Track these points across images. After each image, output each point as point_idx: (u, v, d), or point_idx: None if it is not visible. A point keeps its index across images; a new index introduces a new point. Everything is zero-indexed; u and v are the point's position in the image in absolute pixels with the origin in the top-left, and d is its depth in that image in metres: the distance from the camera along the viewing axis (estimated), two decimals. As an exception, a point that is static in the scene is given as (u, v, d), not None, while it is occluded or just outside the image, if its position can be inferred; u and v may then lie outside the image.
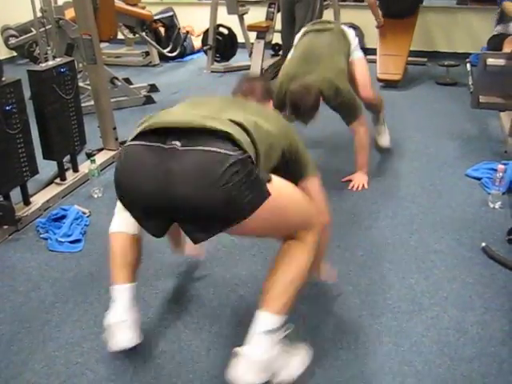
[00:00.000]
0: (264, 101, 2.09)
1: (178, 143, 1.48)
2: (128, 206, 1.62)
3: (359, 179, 3.18)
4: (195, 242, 1.55)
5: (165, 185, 1.47)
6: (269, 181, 1.59)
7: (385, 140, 3.59)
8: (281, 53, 5.89)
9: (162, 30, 6.33)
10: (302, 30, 3.36)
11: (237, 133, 1.51)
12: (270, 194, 1.54)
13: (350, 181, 3.20)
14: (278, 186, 1.64)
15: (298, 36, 3.38)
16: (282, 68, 3.13)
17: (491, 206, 2.87)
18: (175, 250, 2.33)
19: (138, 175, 1.51)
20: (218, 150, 1.46)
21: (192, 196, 1.45)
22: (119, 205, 1.84)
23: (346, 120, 3.09)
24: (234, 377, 1.58)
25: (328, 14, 5.50)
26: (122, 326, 1.76)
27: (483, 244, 2.48)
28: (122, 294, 1.80)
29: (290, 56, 3.24)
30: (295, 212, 1.72)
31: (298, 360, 1.76)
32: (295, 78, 2.89)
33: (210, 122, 1.51)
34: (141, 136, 1.56)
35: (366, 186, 3.15)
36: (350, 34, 3.28)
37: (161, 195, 1.48)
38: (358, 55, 3.26)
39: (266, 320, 1.61)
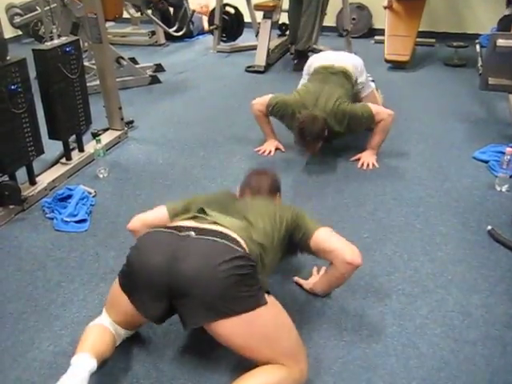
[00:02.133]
0: (271, 196, 2.13)
1: (192, 233, 1.66)
2: (129, 285, 1.66)
3: (368, 158, 3.18)
4: (185, 327, 1.63)
5: (171, 260, 1.57)
6: (267, 292, 1.65)
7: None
8: (287, 33, 5.85)
9: (171, 9, 6.27)
10: (315, 64, 3.40)
11: (247, 241, 1.69)
12: (266, 302, 1.59)
13: (358, 160, 3.20)
14: (277, 305, 1.68)
15: (309, 66, 3.46)
16: (295, 94, 3.25)
17: (498, 189, 2.85)
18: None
19: (151, 251, 1.64)
20: (228, 243, 1.62)
21: (195, 273, 1.54)
22: (107, 306, 1.79)
23: (370, 128, 3.17)
24: None
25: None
26: None
27: (489, 227, 2.47)
28: (82, 363, 1.56)
29: (300, 86, 3.39)
30: (286, 336, 1.65)
31: None
32: (306, 107, 3.07)
33: (228, 230, 1.69)
34: (159, 227, 1.78)
35: (376, 165, 3.15)
36: (359, 69, 3.36)
37: (165, 269, 1.56)
38: (367, 91, 3.44)
39: None
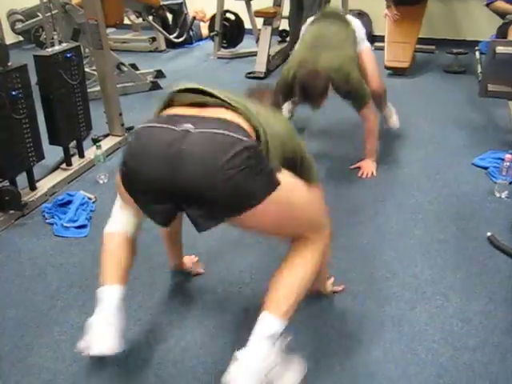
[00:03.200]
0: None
1: (190, 126, 1.47)
2: (133, 190, 1.56)
3: (368, 166, 3.17)
4: (199, 229, 1.50)
5: (174, 164, 1.43)
6: (278, 170, 1.56)
7: (395, 121, 3.63)
8: (288, 39, 5.87)
9: (169, 16, 6.30)
10: (310, 20, 3.35)
11: (252, 118, 1.54)
12: (279, 184, 1.51)
13: (359, 168, 3.19)
14: (289, 179, 1.61)
15: (305, 25, 3.37)
16: (291, 55, 3.11)
17: (497, 195, 2.85)
18: (174, 264, 2.26)
19: (147, 155, 1.48)
20: (231, 133, 1.45)
21: (201, 176, 1.41)
22: (117, 203, 1.80)
23: (355, 107, 3.08)
24: (229, 380, 1.50)
25: (336, 1, 5.45)
26: (105, 332, 1.62)
27: (489, 233, 2.47)
28: (110, 295, 1.68)
29: (298, 44, 3.23)
30: (305, 210, 1.65)
31: (293, 373, 1.65)
32: (304, 63, 2.88)
33: (229, 100, 1.55)
34: (152, 120, 1.58)
35: (374, 174, 3.14)
36: (357, 24, 3.27)
37: (169, 175, 1.44)
38: (365, 46, 3.27)
39: (270, 323, 1.55)
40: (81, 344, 1.67)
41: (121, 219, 1.79)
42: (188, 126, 1.47)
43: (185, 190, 1.44)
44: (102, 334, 1.62)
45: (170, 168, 1.43)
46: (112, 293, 1.68)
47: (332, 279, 2.12)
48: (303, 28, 3.38)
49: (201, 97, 1.60)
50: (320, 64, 2.85)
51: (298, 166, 1.75)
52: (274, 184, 1.50)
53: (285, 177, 1.57)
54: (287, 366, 1.63)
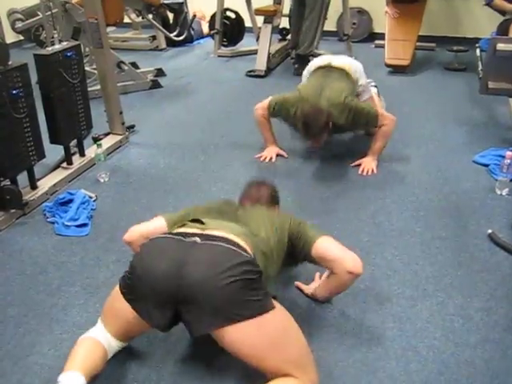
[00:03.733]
0: (270, 207, 2.11)
1: (198, 239, 1.64)
2: (136, 293, 1.63)
3: (368, 163, 3.18)
4: (192, 334, 1.60)
5: (179, 266, 1.55)
6: (274, 297, 1.65)
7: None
8: (288, 37, 5.87)
9: (170, 14, 6.29)
10: (312, 65, 3.40)
11: (251, 247, 1.69)
12: (273, 308, 1.58)
13: (359, 165, 3.20)
14: (284, 311, 1.66)
15: (306, 71, 3.45)
16: (297, 90, 3.21)
17: (498, 192, 2.85)
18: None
19: (156, 257, 1.62)
20: (234, 248, 1.62)
21: (202, 278, 1.52)
22: (103, 315, 1.78)
23: (373, 126, 3.13)
24: None
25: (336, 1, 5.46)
26: None
27: (489, 231, 2.48)
28: (68, 382, 1.54)
29: (300, 87, 3.29)
30: (295, 346, 1.63)
31: None
32: (307, 100, 3.01)
33: (233, 236, 1.69)
34: (163, 235, 1.77)
35: (375, 171, 3.15)
36: (357, 70, 3.33)
37: (174, 275, 1.54)
38: (367, 96, 3.39)
39: None
40: None
41: (100, 333, 1.73)
42: (196, 239, 1.65)
43: (185, 292, 1.53)
44: None
45: (175, 269, 1.55)
46: (72, 379, 1.55)
47: None
48: (304, 74, 3.49)
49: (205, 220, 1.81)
50: (321, 103, 2.97)
51: (298, 239, 1.88)
52: (267, 306, 1.58)
53: (280, 307, 1.65)
54: None
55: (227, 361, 1.79)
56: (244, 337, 1.54)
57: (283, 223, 1.90)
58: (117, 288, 1.71)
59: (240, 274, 1.53)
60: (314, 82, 3.20)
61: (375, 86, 3.71)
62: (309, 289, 2.12)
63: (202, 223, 1.79)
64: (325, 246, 1.86)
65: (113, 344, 1.73)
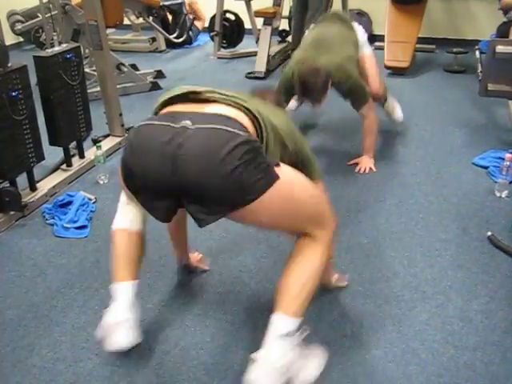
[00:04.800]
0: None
1: (188, 122, 1.49)
2: (133, 187, 1.58)
3: (365, 162, 3.18)
4: (200, 224, 1.52)
5: (173, 161, 1.45)
6: (277, 165, 1.56)
7: (398, 114, 3.66)
8: (288, 39, 5.87)
9: (169, 16, 6.30)
10: (312, 25, 3.38)
11: (251, 113, 1.58)
12: (278, 177, 1.51)
13: (357, 164, 3.20)
14: (289, 173, 1.61)
15: (308, 30, 3.41)
16: (292, 57, 3.13)
17: (498, 194, 2.85)
18: (180, 259, 2.29)
19: (147, 152, 1.50)
20: (229, 128, 1.47)
21: (200, 172, 1.44)
22: (122, 199, 1.82)
23: (355, 106, 3.09)
24: (252, 382, 1.52)
25: (336, 0, 5.44)
26: (122, 326, 1.69)
27: (489, 233, 2.47)
28: (124, 292, 1.73)
29: (299, 47, 3.24)
30: (307, 204, 1.64)
31: (314, 362, 1.69)
32: (304, 61, 2.89)
33: (228, 96, 1.59)
34: (151, 118, 1.63)
35: (373, 169, 3.15)
36: (359, 29, 3.30)
37: (168, 172, 1.46)
38: (367, 50, 3.29)
39: (283, 323, 1.56)
40: (99, 334, 1.75)
41: (127, 215, 1.80)
42: (186, 122, 1.49)
43: (184, 187, 1.47)
44: (120, 329, 1.69)
45: (169, 165, 1.45)
46: (126, 289, 1.74)
47: (336, 275, 2.12)
48: (306, 33, 3.43)
49: (201, 94, 1.63)
50: (320, 62, 2.85)
51: (298, 162, 1.78)
52: (273, 178, 1.50)
53: (285, 171, 1.58)
54: (307, 357, 1.67)
55: (227, 360, 1.79)
56: (254, 215, 1.53)
57: (292, 126, 1.83)
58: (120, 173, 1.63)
59: (239, 158, 1.43)
60: (312, 41, 3.12)
61: None
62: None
63: (194, 94, 1.64)
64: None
65: (142, 215, 1.79)
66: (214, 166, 1.43)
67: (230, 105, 1.59)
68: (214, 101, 1.61)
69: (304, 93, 2.82)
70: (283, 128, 1.73)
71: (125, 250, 1.78)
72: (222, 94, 1.63)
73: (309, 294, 1.61)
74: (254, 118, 1.59)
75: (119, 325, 1.69)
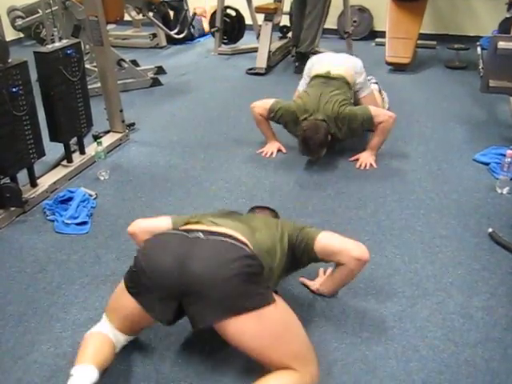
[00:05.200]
0: (272, 216, 2.19)
1: (201, 234, 1.70)
2: (140, 287, 1.65)
3: (366, 158, 3.19)
4: (196, 326, 1.61)
5: (183, 260, 1.59)
6: (276, 292, 1.69)
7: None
8: (289, 35, 5.86)
9: (171, 12, 6.28)
10: (313, 71, 3.42)
11: (253, 244, 1.73)
12: (274, 301, 1.61)
13: (357, 160, 3.21)
14: (285, 305, 1.69)
15: (308, 72, 3.49)
16: (297, 98, 3.33)
17: (499, 191, 2.85)
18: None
19: (160, 253, 1.65)
20: (236, 243, 1.66)
21: (204, 272, 1.56)
22: (108, 311, 1.77)
23: (370, 128, 3.17)
24: None
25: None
26: None
27: (490, 229, 2.47)
28: (81, 375, 1.55)
29: (301, 89, 3.44)
30: (297, 338, 1.66)
31: None
32: (308, 111, 3.12)
33: (235, 233, 1.73)
34: (167, 231, 1.85)
35: (374, 165, 3.15)
36: (357, 71, 3.37)
37: (177, 269, 1.58)
38: (365, 92, 3.43)
39: None
40: None
41: (106, 328, 1.74)
42: (199, 234, 1.70)
43: (188, 286, 1.57)
44: None
45: (179, 263, 1.59)
46: (86, 372, 1.57)
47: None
48: (306, 70, 3.54)
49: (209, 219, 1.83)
50: (319, 116, 3.07)
51: (298, 240, 1.89)
52: (269, 299, 1.61)
53: (281, 302, 1.68)
54: None
55: (226, 357, 1.79)
56: (245, 329, 1.57)
57: (285, 225, 1.94)
58: (122, 283, 1.73)
59: (241, 267, 1.57)
60: (312, 93, 3.23)
61: (376, 83, 3.71)
62: (314, 284, 2.13)
63: (206, 221, 1.82)
64: (327, 239, 1.89)
65: (120, 338, 1.74)
66: (218, 268, 1.57)
67: (236, 229, 1.76)
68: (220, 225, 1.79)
69: (306, 149, 3.05)
70: (279, 241, 1.85)
71: (95, 343, 1.69)
72: (228, 221, 1.82)
73: None
74: (254, 245, 1.72)
75: None
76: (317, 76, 3.36)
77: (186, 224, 1.85)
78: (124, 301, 1.70)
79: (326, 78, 3.30)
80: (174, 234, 1.76)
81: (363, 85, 3.42)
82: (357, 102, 3.36)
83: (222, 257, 1.60)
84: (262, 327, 1.57)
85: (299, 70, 4.56)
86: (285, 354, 1.59)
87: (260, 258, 1.68)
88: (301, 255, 1.90)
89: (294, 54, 5.44)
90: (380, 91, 3.70)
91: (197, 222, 1.83)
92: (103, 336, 1.71)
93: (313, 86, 3.34)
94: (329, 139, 3.06)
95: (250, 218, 2.01)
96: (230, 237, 1.69)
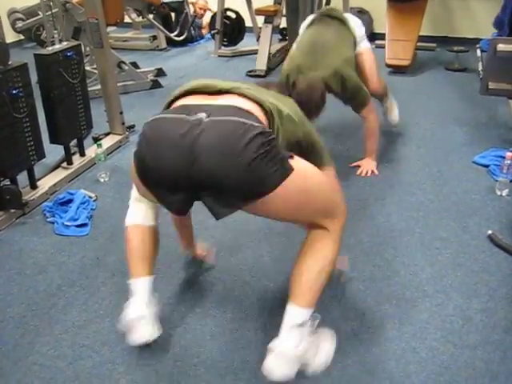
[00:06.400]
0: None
1: (203, 114, 1.50)
2: (148, 181, 1.60)
3: (368, 165, 3.17)
4: (217, 217, 1.54)
5: (189, 154, 1.46)
6: (291, 157, 1.59)
7: (395, 116, 3.63)
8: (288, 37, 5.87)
9: (172, 14, 6.29)
10: (308, 19, 3.32)
11: (264, 103, 1.61)
12: (293, 169, 1.54)
13: (359, 166, 3.19)
14: (302, 165, 1.64)
15: (303, 25, 3.34)
16: (288, 57, 3.10)
17: (498, 193, 2.85)
18: (186, 249, 2.32)
19: (163, 145, 1.50)
20: (244, 120, 1.49)
21: (216, 164, 1.45)
22: (134, 195, 1.87)
23: (355, 109, 3.08)
24: (269, 371, 1.59)
25: (336, 1, 5.45)
26: (142, 321, 1.74)
27: (489, 232, 2.47)
28: (141, 287, 1.78)
29: (295, 45, 3.19)
30: (319, 194, 1.67)
31: (325, 347, 1.75)
32: (301, 71, 2.85)
33: (237, 89, 1.62)
34: (165, 111, 1.64)
35: (375, 172, 3.14)
36: (356, 23, 3.24)
37: (185, 165, 1.47)
38: (364, 46, 3.22)
39: (297, 314, 1.62)
40: (120, 328, 1.81)
41: (139, 211, 1.84)
42: (201, 114, 1.51)
43: (201, 179, 1.48)
44: (141, 324, 1.74)
45: (185, 158, 1.46)
46: (143, 284, 1.78)
47: (347, 258, 2.19)
48: (301, 28, 3.35)
49: (213, 86, 1.66)
50: (317, 72, 2.82)
51: (309, 150, 1.81)
52: (287, 170, 1.53)
53: (298, 163, 1.60)
54: (319, 342, 1.72)
55: (227, 356, 1.79)
56: (269, 207, 1.56)
57: (301, 114, 1.86)
58: (134, 169, 1.65)
59: (255, 151, 1.44)
60: (308, 45, 3.05)
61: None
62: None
63: (210, 88, 1.67)
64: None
65: (156, 209, 1.83)
66: (232, 158, 1.44)
67: (242, 95, 1.62)
68: (227, 92, 1.64)
69: (301, 109, 2.81)
70: (293, 117, 1.75)
71: (139, 246, 1.82)
72: (234, 86, 1.66)
73: (322, 284, 1.67)
74: (266, 109, 1.62)
75: (140, 320, 1.74)
76: (314, 19, 3.22)
77: (185, 95, 1.68)
78: (142, 187, 1.66)
79: (325, 16, 3.17)
80: (174, 118, 1.55)
81: (362, 38, 3.23)
82: (356, 58, 3.15)
83: (231, 145, 1.45)
84: (286, 201, 1.56)
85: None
86: (314, 214, 1.67)
87: (270, 112, 1.61)
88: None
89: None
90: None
91: (199, 92, 1.66)
92: (143, 231, 1.82)
93: (309, 31, 3.17)
94: (325, 98, 2.73)
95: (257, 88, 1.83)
96: (236, 111, 1.53)
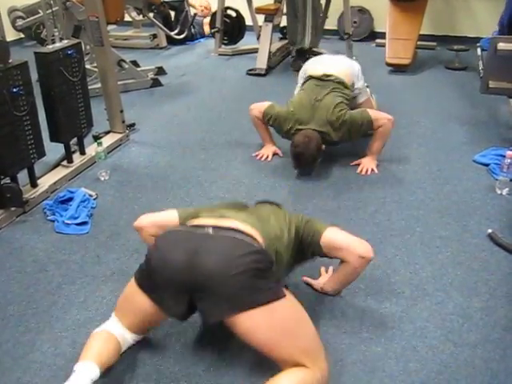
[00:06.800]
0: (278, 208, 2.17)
1: (210, 230, 1.71)
2: (153, 283, 1.67)
3: (368, 163, 3.17)
4: (206, 322, 1.68)
5: (192, 257, 1.60)
6: (285, 287, 1.70)
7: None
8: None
9: (172, 13, 6.28)
10: (308, 72, 3.37)
11: (263, 235, 1.75)
12: (284, 296, 1.62)
13: (359, 165, 3.19)
14: (294, 300, 1.70)
15: (303, 75, 3.43)
16: (290, 102, 3.22)
17: (498, 192, 2.85)
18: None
19: (171, 249, 1.67)
20: (245, 239, 1.68)
21: (214, 267, 1.57)
22: (118, 309, 1.79)
23: (371, 129, 3.11)
24: None
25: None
26: None
27: (489, 230, 2.48)
28: (82, 371, 1.57)
29: (295, 98, 3.29)
30: (306, 333, 1.66)
31: None
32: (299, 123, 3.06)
33: (244, 227, 1.74)
34: (177, 227, 1.87)
35: (375, 170, 3.14)
36: (355, 75, 3.33)
37: (188, 265, 1.59)
38: (364, 98, 3.43)
39: None
40: None
41: (114, 327, 1.76)
42: (208, 229, 1.71)
43: (198, 281, 1.58)
44: None
45: (189, 260, 1.60)
46: (87, 370, 1.58)
47: None
48: (301, 74, 3.47)
49: (217, 212, 1.86)
50: (311, 128, 3.02)
51: (306, 233, 1.91)
52: (279, 294, 1.62)
53: (291, 297, 1.69)
54: None
55: (227, 357, 1.79)
56: (256, 323, 1.57)
57: (292, 216, 1.95)
58: (132, 281, 1.75)
59: (251, 263, 1.58)
60: (306, 100, 3.14)
61: (367, 86, 3.68)
62: (318, 283, 2.14)
63: (215, 213, 1.84)
64: (333, 234, 1.92)
65: (127, 337, 1.76)
66: (228, 264, 1.57)
67: (244, 221, 1.76)
68: (230, 218, 1.79)
69: (298, 163, 3.05)
70: (285, 231, 1.86)
71: (100, 342, 1.70)
72: (236, 213, 1.84)
73: None
74: (264, 238, 1.74)
75: None
76: (312, 77, 3.30)
77: (195, 218, 1.84)
78: (135, 298, 1.71)
79: (321, 80, 3.23)
80: (184, 231, 1.77)
81: (362, 90, 3.40)
82: (355, 107, 3.29)
83: (231, 253, 1.61)
84: (273, 322, 1.58)
85: (295, 66, 4.75)
86: (295, 349, 1.59)
87: (268, 247, 1.72)
88: (307, 247, 1.91)
89: (293, 54, 5.45)
90: (371, 94, 3.66)
91: (206, 217, 1.83)
92: (109, 335, 1.72)
93: (307, 89, 3.25)
94: (323, 148, 3.01)
95: (258, 208, 2.02)
96: (238, 231, 1.70)
